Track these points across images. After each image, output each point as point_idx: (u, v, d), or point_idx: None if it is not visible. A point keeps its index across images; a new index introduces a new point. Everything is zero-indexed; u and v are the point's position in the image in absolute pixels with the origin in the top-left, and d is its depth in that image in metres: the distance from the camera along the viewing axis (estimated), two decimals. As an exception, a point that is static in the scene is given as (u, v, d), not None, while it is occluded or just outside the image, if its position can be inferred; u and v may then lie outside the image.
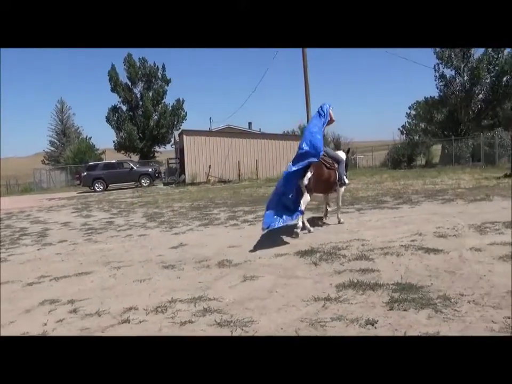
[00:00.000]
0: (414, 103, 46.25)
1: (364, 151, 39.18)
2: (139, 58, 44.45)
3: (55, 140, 55.05)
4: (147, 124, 44.30)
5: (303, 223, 6.69)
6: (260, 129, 41.14)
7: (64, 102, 56.48)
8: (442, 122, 34.81)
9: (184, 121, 45.97)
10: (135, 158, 44.02)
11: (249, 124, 42.25)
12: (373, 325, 3.01)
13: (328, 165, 7.04)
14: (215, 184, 24.29)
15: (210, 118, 62.28)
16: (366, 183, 16.07)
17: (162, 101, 45.17)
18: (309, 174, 6.58)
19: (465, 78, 32.34)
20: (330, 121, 7.12)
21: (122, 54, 51.88)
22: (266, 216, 6.39)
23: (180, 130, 32.93)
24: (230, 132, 30.50)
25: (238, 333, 3.10)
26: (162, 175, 31.55)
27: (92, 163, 29.76)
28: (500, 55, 31.49)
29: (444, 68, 32.88)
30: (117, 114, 44.93)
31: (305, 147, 6.58)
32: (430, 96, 36.32)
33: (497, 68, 31.60)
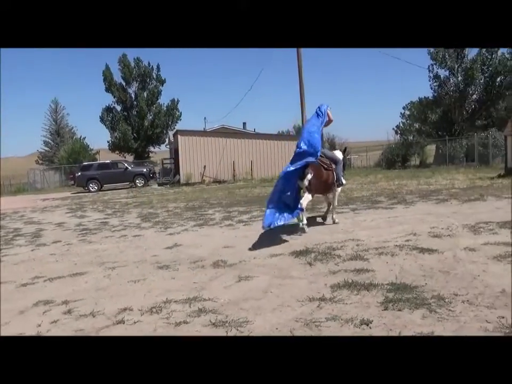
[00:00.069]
0: (408, 103, 46.46)
1: (358, 151, 39.26)
2: (134, 58, 44.48)
3: (49, 140, 54.86)
4: (141, 124, 44.24)
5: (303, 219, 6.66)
6: (254, 129, 41.18)
7: (58, 102, 56.42)
8: (437, 122, 35.03)
9: (178, 121, 46.05)
10: (130, 158, 43.94)
11: (244, 124, 42.30)
12: (367, 325, 3.01)
13: (326, 166, 7.03)
14: (209, 184, 24.26)
15: (205, 118, 62.32)
16: (360, 183, 16.10)
17: (157, 101, 45.16)
18: (309, 176, 6.56)
19: (459, 78, 32.57)
20: (329, 121, 7.11)
21: (117, 54, 51.75)
22: (267, 214, 6.35)
23: (175, 130, 32.86)
24: (224, 132, 30.46)
25: (233, 333, 3.09)
26: (157, 175, 31.51)
27: (86, 163, 29.69)
28: (493, 55, 31.76)
29: (438, 68, 33.18)
30: (111, 114, 44.86)
31: (303, 146, 6.56)
32: (424, 97, 36.64)
33: (491, 69, 31.86)
